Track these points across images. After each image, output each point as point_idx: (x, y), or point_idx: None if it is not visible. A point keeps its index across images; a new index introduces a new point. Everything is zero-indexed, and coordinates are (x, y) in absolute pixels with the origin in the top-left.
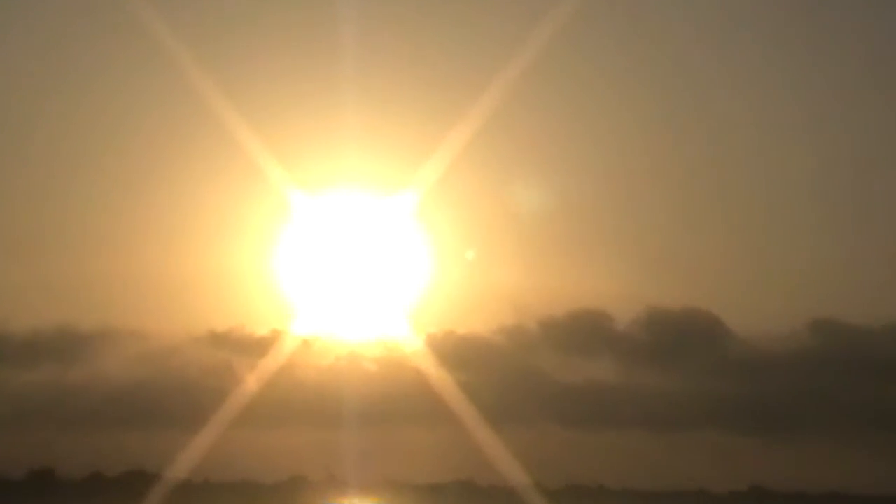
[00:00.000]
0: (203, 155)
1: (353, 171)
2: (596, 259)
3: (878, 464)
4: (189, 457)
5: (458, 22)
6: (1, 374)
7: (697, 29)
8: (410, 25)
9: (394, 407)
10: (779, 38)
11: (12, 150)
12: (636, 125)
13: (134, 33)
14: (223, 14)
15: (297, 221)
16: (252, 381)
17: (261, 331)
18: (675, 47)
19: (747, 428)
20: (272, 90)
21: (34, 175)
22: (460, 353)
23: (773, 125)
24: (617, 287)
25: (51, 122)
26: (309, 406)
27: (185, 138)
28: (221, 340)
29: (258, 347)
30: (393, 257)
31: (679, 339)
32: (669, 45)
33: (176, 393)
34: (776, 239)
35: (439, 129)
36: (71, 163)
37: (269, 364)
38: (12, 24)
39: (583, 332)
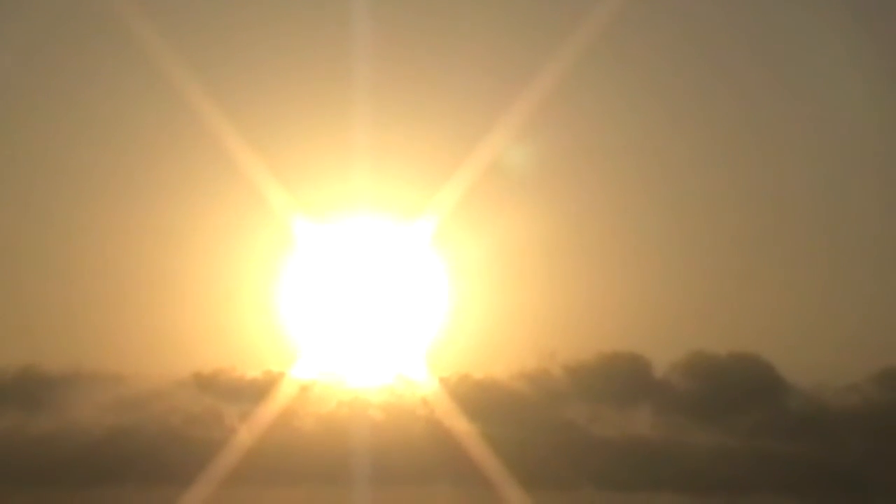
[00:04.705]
0: (192, 173)
1: (361, 195)
2: (630, 296)
3: None
4: None
5: (482, 29)
6: None
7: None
8: (428, 32)
9: (403, 462)
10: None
11: None
12: (681, 151)
13: (125, 43)
14: (222, 23)
15: (295, 250)
16: (243, 431)
17: (253, 373)
18: (730, 72)
19: (806, 493)
20: (271, 100)
21: None
22: (476, 401)
23: (836, 150)
24: (653, 328)
25: (26, 145)
26: (307, 460)
27: (173, 155)
28: (208, 384)
29: (250, 392)
30: (403, 292)
31: (726, 388)
32: (726, 70)
33: (156, 445)
34: (838, 276)
35: (461, 147)
36: (41, 183)
37: (263, 412)
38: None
39: (615, 379)
